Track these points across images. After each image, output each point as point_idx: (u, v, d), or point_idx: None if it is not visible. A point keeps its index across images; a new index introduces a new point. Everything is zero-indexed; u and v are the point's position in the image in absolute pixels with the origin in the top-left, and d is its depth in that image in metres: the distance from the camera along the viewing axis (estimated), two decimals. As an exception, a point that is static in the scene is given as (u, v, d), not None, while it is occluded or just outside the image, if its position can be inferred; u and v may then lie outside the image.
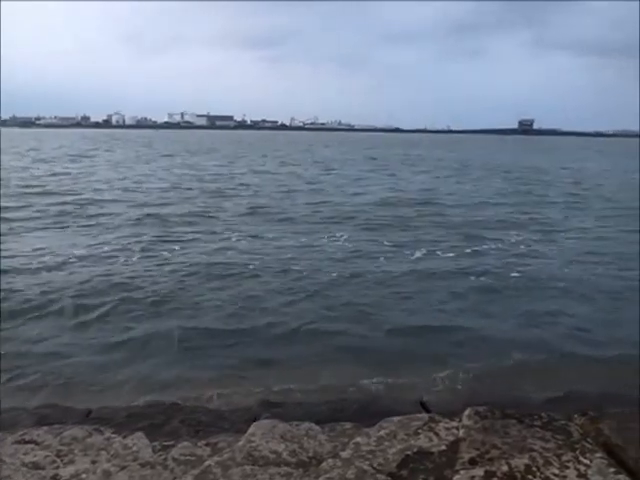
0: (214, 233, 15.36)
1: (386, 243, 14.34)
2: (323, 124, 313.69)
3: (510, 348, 7.47)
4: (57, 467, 3.02)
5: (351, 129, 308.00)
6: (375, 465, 2.84)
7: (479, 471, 2.73)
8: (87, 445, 3.27)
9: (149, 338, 7.76)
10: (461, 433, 3.14)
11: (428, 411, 5.43)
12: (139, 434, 3.43)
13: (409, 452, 2.97)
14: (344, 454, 2.94)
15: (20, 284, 9.97)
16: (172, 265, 11.63)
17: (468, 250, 13.62)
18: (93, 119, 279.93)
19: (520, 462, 2.79)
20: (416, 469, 2.82)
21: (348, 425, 3.34)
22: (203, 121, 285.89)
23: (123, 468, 2.98)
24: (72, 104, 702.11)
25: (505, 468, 2.73)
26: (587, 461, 2.84)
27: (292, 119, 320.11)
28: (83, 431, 3.45)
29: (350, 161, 50.16)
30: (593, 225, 17.92)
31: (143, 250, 13.00)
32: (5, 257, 11.88)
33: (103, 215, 18.01)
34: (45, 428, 3.53)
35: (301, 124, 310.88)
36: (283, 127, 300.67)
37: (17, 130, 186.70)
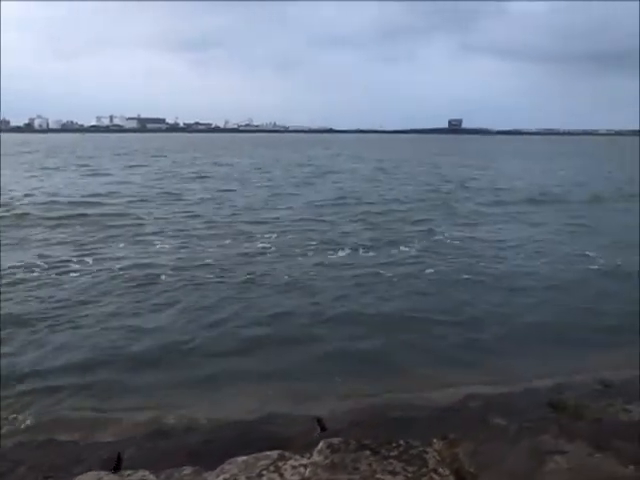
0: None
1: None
2: (257, 126, 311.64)
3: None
4: None
5: (286, 130, 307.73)
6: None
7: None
8: None
9: None
10: (307, 472, 2.90)
11: (324, 429, 5.18)
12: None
13: (245, 501, 2.69)
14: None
15: None
16: None
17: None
18: (13, 123, 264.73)
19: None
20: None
21: (188, 470, 3.01)
22: (133, 124, 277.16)
23: None
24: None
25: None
26: (433, 495, 2.67)
27: (226, 121, 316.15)
28: None
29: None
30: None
31: None
32: None
33: None
34: None
35: (235, 126, 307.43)
36: (217, 129, 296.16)
37: None
